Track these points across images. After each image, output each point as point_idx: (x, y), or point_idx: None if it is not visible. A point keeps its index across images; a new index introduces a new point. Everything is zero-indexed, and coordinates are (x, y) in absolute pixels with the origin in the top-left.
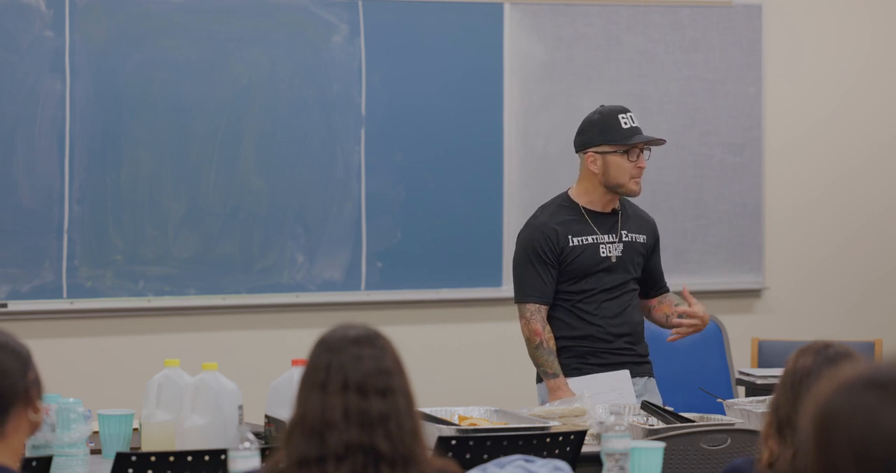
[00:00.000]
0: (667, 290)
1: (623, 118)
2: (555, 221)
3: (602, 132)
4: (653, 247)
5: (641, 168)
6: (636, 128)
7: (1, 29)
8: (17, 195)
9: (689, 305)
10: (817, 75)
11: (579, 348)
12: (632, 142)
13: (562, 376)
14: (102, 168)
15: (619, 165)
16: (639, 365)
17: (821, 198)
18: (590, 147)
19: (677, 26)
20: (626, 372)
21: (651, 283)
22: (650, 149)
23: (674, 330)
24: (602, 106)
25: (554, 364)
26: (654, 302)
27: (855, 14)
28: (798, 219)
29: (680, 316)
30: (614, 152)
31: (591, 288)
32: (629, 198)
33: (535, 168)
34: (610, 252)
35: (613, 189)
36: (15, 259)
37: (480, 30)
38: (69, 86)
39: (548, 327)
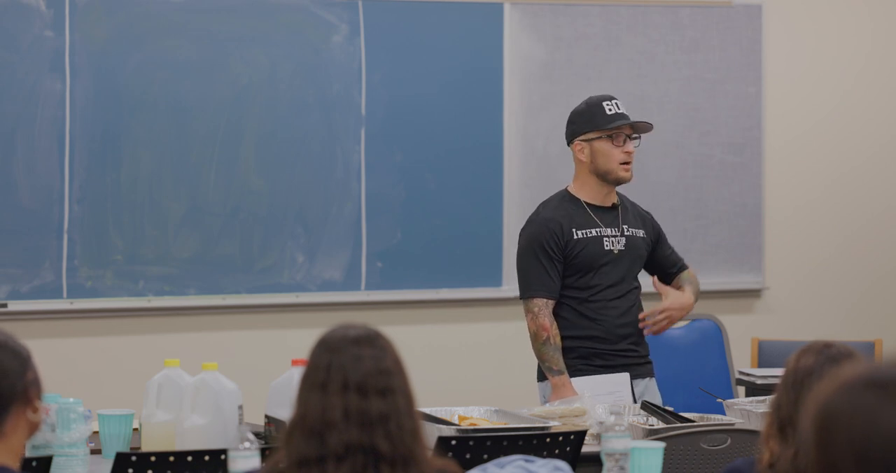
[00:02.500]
0: (685, 268)
1: (608, 105)
2: (558, 215)
3: (587, 120)
4: (656, 239)
5: (629, 153)
6: (622, 114)
7: (1, 29)
8: (17, 195)
9: (664, 298)
10: (817, 75)
11: (584, 349)
12: (614, 125)
13: (566, 374)
14: (102, 168)
15: (606, 152)
16: (641, 366)
17: (821, 198)
18: (577, 136)
19: (677, 26)
20: (625, 375)
21: (668, 269)
22: (639, 137)
23: (646, 331)
24: (589, 97)
25: (559, 361)
26: (674, 285)
27: (855, 14)
28: (798, 219)
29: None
30: (599, 138)
31: (597, 284)
32: (624, 194)
33: (535, 168)
34: (613, 245)
35: (603, 177)
36: (15, 259)
37: (480, 30)
38: (69, 86)
39: (555, 323)
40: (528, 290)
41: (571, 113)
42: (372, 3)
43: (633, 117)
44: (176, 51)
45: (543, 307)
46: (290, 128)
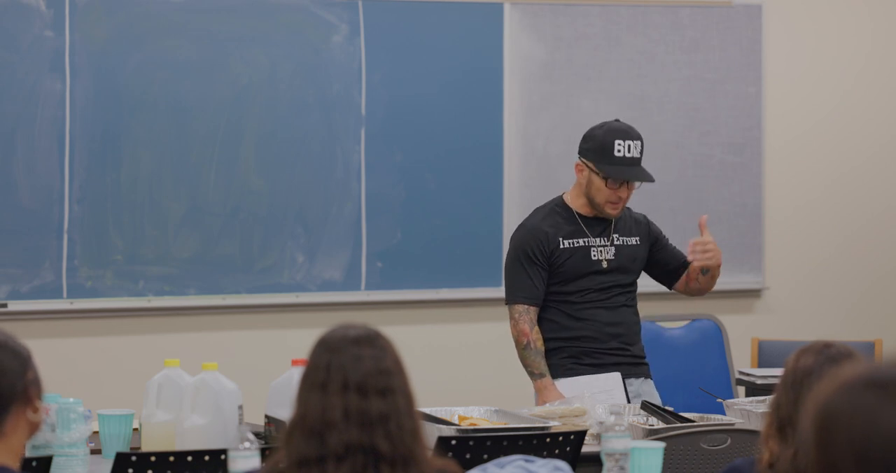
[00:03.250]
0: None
1: (619, 145)
2: (546, 224)
3: (594, 150)
4: (653, 243)
5: (621, 197)
6: (629, 158)
7: (1, 29)
8: (17, 195)
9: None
10: (817, 75)
11: (574, 348)
12: (609, 177)
13: (548, 376)
14: (102, 168)
15: (599, 187)
16: (634, 366)
17: (821, 198)
18: (582, 156)
19: (677, 26)
20: (617, 375)
21: (676, 269)
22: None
23: (691, 257)
24: (616, 121)
25: (541, 364)
26: (684, 279)
27: (855, 14)
28: (798, 219)
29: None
30: (597, 174)
31: (586, 288)
32: None
33: (535, 168)
34: (602, 255)
35: (590, 203)
36: (15, 259)
37: (480, 30)
38: (69, 86)
39: (536, 328)
40: (510, 296)
41: (589, 129)
42: (372, 3)
43: (635, 151)
44: (176, 51)
45: (524, 313)
46: (290, 128)
